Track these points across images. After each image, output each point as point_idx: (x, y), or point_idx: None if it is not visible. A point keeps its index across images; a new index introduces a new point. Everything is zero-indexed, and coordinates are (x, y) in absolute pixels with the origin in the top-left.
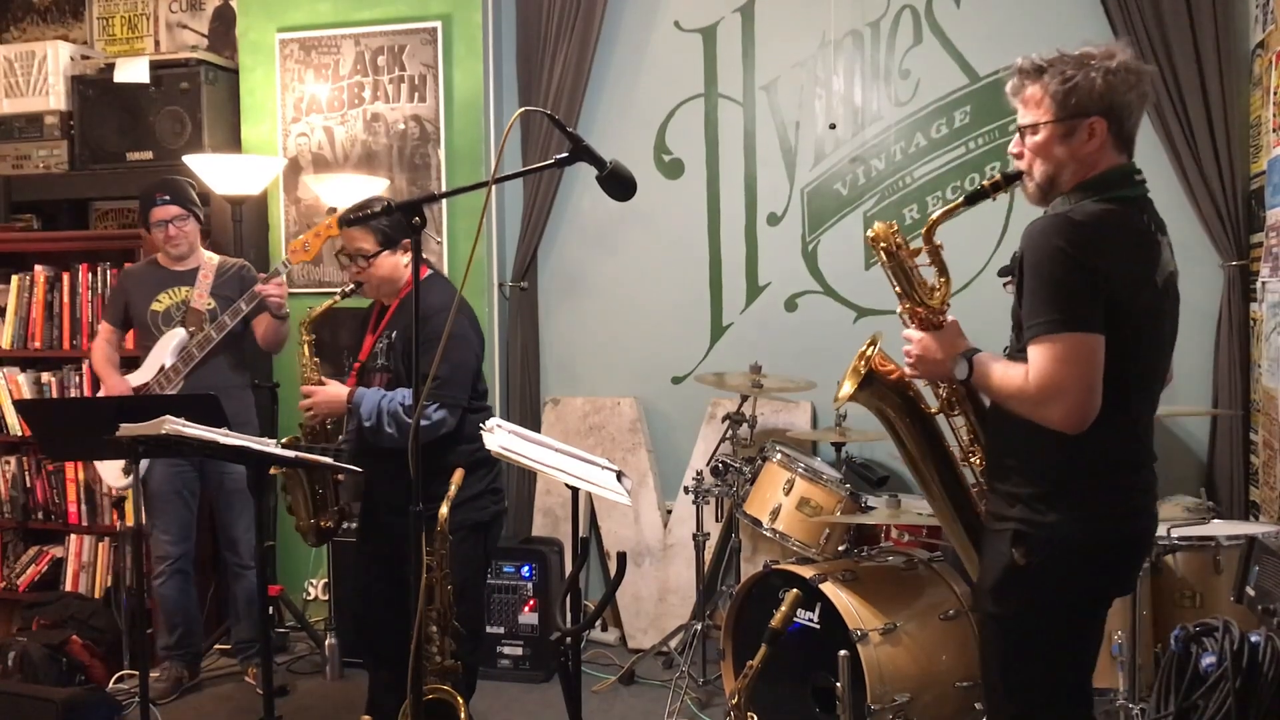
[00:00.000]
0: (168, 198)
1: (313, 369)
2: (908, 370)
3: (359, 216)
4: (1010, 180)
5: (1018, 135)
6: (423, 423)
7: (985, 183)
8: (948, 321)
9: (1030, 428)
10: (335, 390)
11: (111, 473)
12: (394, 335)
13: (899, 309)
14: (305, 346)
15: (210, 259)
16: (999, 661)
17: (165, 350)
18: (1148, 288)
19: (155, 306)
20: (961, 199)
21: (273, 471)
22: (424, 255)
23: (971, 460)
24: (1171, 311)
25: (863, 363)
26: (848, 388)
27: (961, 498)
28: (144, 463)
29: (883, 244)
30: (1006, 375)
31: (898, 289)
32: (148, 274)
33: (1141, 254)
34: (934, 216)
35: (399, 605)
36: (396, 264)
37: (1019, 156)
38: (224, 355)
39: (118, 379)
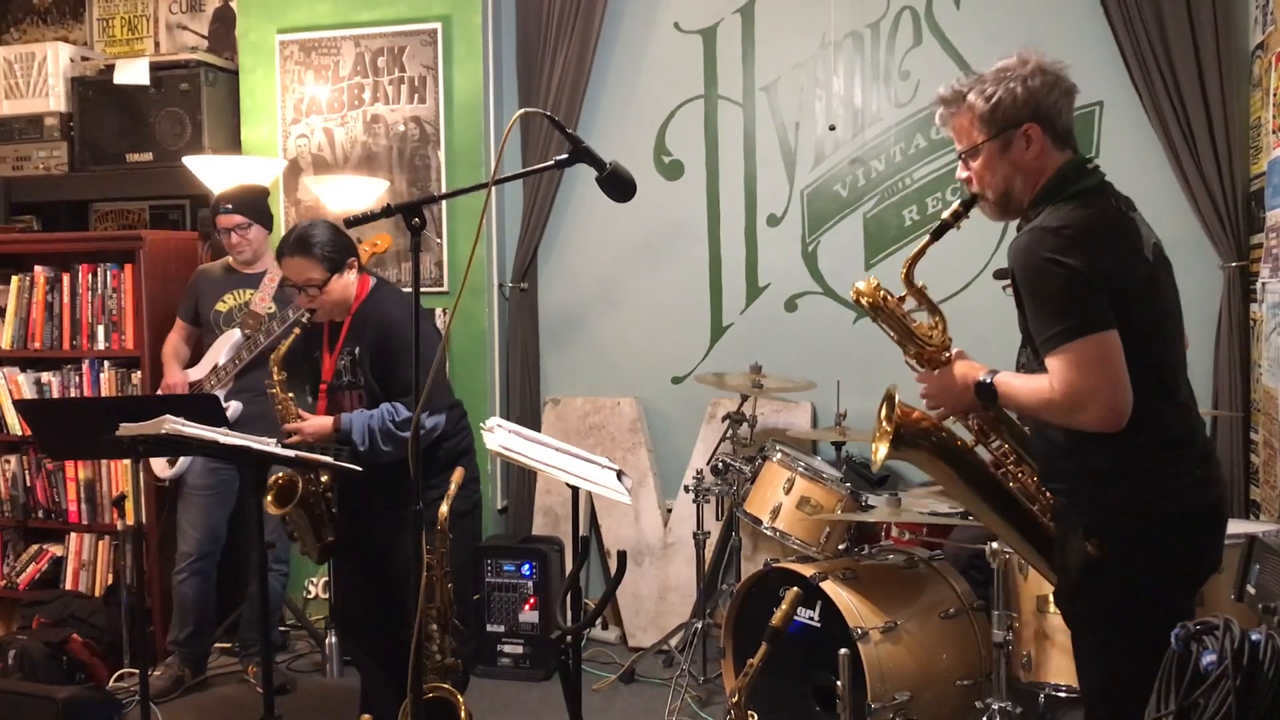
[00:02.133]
0: (230, 206)
1: (290, 405)
2: (933, 414)
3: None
4: (969, 206)
5: (960, 162)
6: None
7: (946, 215)
8: (954, 354)
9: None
10: (320, 423)
11: (158, 461)
12: (357, 351)
13: (904, 358)
14: (278, 387)
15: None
16: (1095, 661)
17: (221, 350)
18: (1141, 266)
19: (220, 306)
20: (928, 237)
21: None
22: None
23: (1020, 478)
24: (1168, 278)
25: (887, 422)
26: (883, 451)
27: (1023, 518)
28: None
29: (867, 299)
30: (1032, 390)
31: (895, 338)
32: (219, 274)
33: (1123, 238)
34: (907, 260)
35: (386, 605)
36: (346, 284)
37: (969, 182)
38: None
39: (177, 372)
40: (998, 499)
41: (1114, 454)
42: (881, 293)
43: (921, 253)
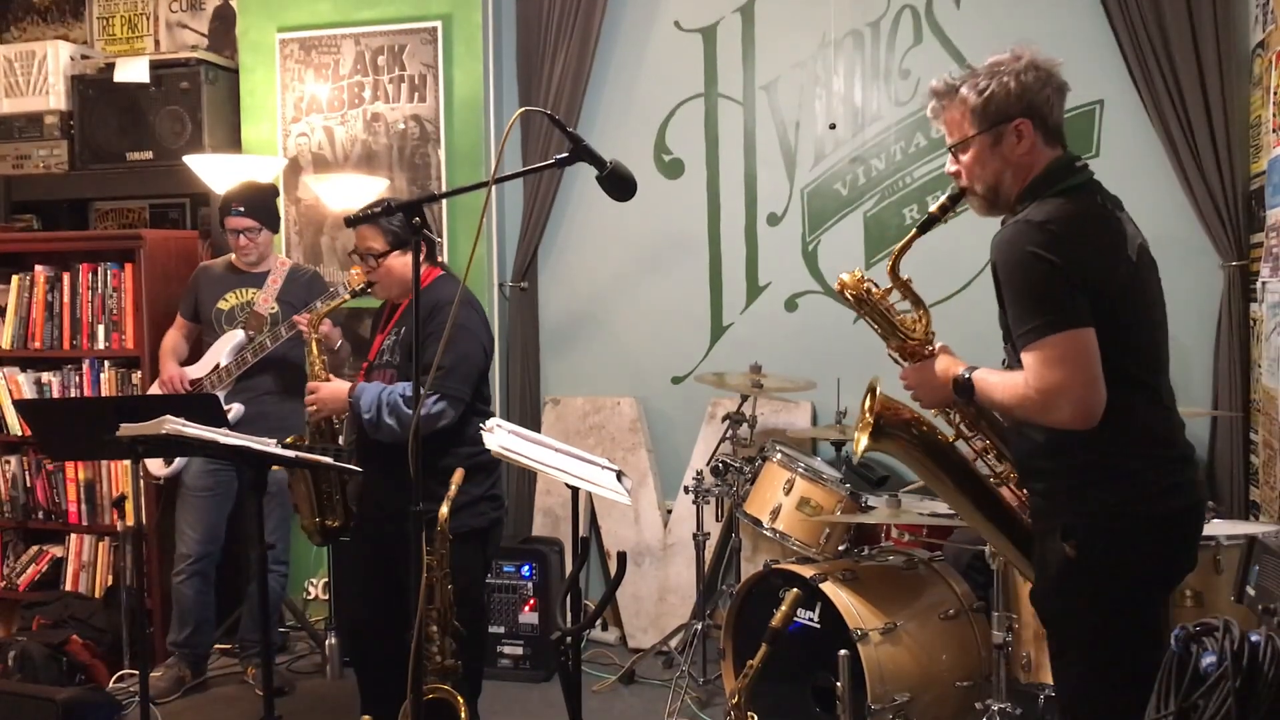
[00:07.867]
0: (242, 209)
1: (320, 365)
2: (915, 406)
3: (364, 215)
4: (956, 200)
5: (950, 156)
6: (421, 412)
7: (934, 209)
8: (936, 349)
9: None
10: (337, 386)
11: (155, 460)
12: (402, 331)
13: (887, 350)
14: (313, 344)
15: (284, 263)
16: (1069, 661)
17: (222, 350)
18: (1123, 266)
19: (221, 305)
20: (915, 229)
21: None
22: (437, 257)
23: (1000, 474)
24: (1152, 279)
25: (869, 414)
26: (864, 442)
27: (1004, 516)
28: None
29: (851, 292)
30: (1007, 387)
31: (879, 331)
32: (221, 272)
33: (1108, 237)
34: (893, 252)
35: (393, 607)
36: (407, 264)
37: (957, 175)
38: (279, 361)
39: (174, 367)
40: (978, 494)
41: (1094, 455)
42: (866, 285)
43: (908, 245)
